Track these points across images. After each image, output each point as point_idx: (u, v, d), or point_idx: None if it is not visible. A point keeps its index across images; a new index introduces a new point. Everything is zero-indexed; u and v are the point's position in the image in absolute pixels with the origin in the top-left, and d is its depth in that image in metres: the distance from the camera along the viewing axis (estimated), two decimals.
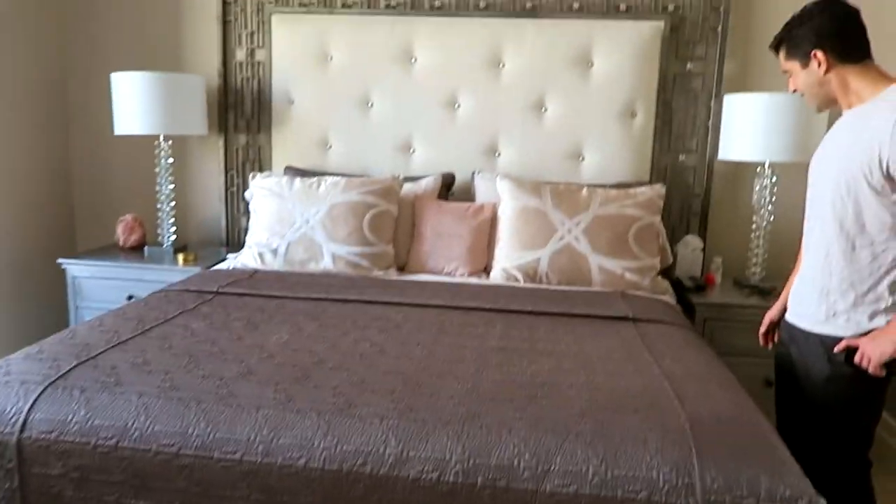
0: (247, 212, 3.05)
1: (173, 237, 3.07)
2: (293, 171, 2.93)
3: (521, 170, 2.90)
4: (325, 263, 2.57)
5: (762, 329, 2.03)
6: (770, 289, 2.68)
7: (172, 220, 3.07)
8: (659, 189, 2.67)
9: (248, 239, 2.72)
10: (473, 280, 2.56)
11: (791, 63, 1.74)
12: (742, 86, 2.85)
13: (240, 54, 3.09)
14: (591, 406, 1.45)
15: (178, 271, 2.75)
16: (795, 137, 2.55)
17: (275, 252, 2.60)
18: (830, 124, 1.81)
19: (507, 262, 2.55)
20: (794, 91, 1.78)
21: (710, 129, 2.90)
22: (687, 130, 2.96)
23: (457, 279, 2.56)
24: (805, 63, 1.70)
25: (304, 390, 1.47)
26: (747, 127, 2.63)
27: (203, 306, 2.09)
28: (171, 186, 3.05)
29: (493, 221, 2.67)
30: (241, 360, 1.64)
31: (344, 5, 3.00)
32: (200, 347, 1.72)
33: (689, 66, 2.91)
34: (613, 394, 1.53)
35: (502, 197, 2.66)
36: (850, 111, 1.69)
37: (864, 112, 1.62)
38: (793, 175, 2.63)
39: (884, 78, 1.64)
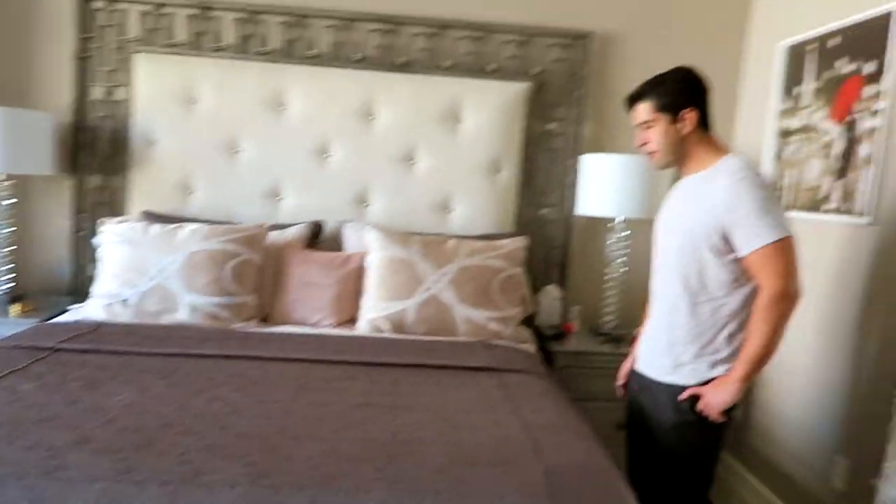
0: (95, 260, 2.84)
1: (11, 285, 2.79)
2: (150, 217, 2.77)
3: (390, 220, 2.92)
4: (181, 315, 2.43)
5: (620, 381, 2.13)
6: (622, 336, 2.84)
7: (11, 265, 2.79)
8: (522, 241, 2.77)
9: (95, 289, 2.53)
10: (340, 331, 2.51)
11: (658, 115, 1.80)
12: (598, 147, 3.06)
13: (97, 92, 2.92)
14: (451, 462, 1.45)
15: (10, 324, 2.50)
16: (644, 196, 2.76)
17: (124, 303, 2.43)
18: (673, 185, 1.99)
19: (374, 312, 2.54)
20: (644, 144, 1.85)
21: (569, 186, 3.08)
22: (548, 186, 3.12)
23: (322, 330, 2.51)
24: (674, 119, 1.79)
25: (146, 458, 1.37)
26: (602, 185, 2.81)
27: (36, 365, 1.90)
28: (11, 229, 2.79)
29: (360, 271, 2.65)
30: (75, 426, 1.50)
31: (213, 49, 2.93)
32: (28, 413, 1.55)
33: (550, 126, 3.08)
34: (473, 448, 1.54)
35: (371, 247, 2.66)
36: (692, 176, 1.84)
37: (706, 179, 1.78)
38: (642, 230, 2.82)
39: (721, 148, 1.83)
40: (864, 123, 2.21)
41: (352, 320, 2.62)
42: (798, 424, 2.49)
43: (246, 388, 1.83)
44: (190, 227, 2.57)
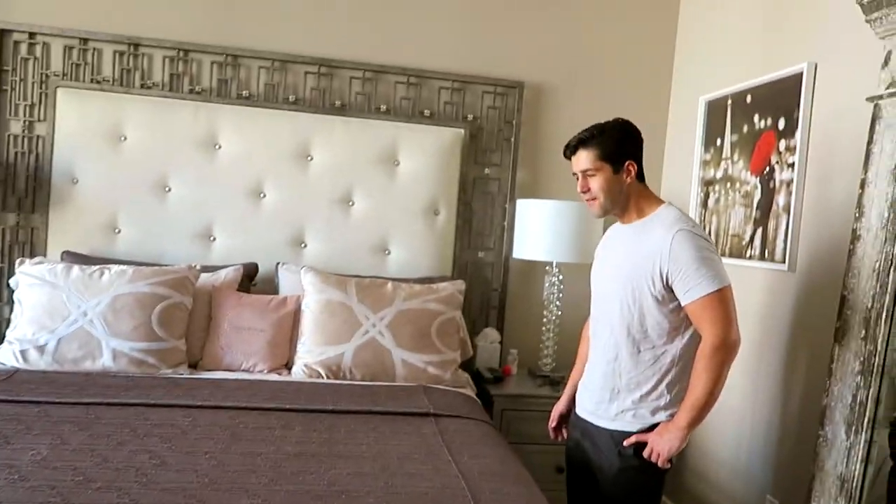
0: (10, 301, 2.67)
1: None
2: (72, 257, 2.64)
3: (327, 262, 2.88)
4: (104, 362, 2.31)
5: (552, 423, 2.14)
6: (559, 379, 2.87)
7: None
8: (459, 284, 2.78)
9: (9, 334, 2.37)
10: (274, 377, 2.44)
11: (601, 164, 1.81)
12: (532, 192, 3.13)
13: (15, 127, 2.79)
14: None
15: None
16: (578, 241, 2.82)
17: (42, 349, 2.28)
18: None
19: (309, 357, 2.48)
20: (587, 191, 1.85)
21: (506, 230, 3.13)
22: (485, 229, 3.16)
23: (255, 376, 2.43)
24: (618, 169, 1.82)
25: None
26: (537, 229, 2.87)
27: None
28: None
29: (296, 315, 2.59)
30: None
31: (143, 86, 2.86)
32: None
33: (486, 170, 3.14)
34: (411, 498, 1.51)
35: (307, 290, 2.61)
36: (629, 225, 1.89)
37: (644, 228, 1.84)
38: (577, 274, 2.89)
39: (656, 198, 1.90)
40: (780, 175, 2.35)
41: (286, 365, 2.54)
42: (731, 465, 2.56)
43: (173, 439, 1.74)
44: (115, 269, 2.46)
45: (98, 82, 2.83)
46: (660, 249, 1.74)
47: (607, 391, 1.88)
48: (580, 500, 2.01)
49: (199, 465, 1.58)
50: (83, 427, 1.77)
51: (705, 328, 1.72)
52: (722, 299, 1.70)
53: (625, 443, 1.82)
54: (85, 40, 2.82)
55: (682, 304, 1.75)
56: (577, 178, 1.88)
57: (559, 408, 2.13)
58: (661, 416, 1.81)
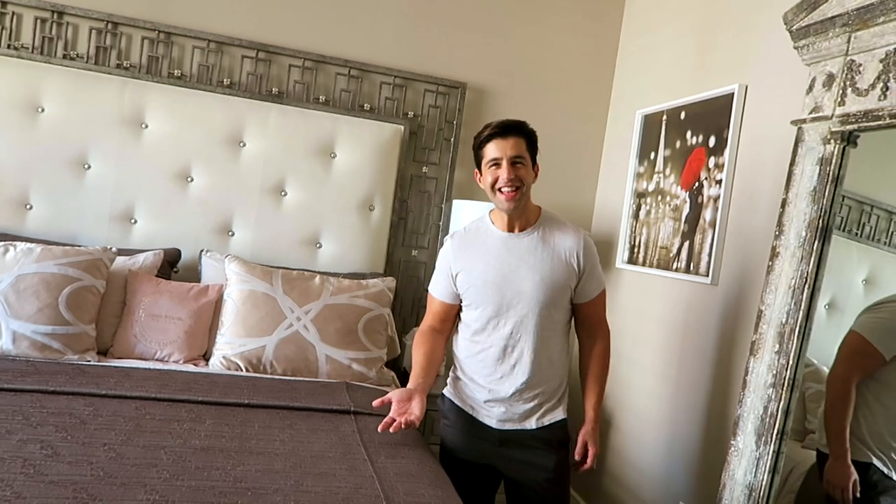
0: None
1: None
2: None
3: (255, 251, 2.79)
4: (3, 344, 2.15)
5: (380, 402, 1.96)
6: None
7: None
8: (390, 282, 2.74)
9: None
10: (190, 368, 2.33)
11: (528, 158, 1.84)
12: (469, 194, 3.12)
13: None
14: None
15: None
16: None
17: None
18: None
19: (228, 349, 2.38)
20: (512, 178, 1.78)
21: (441, 229, 3.10)
22: (420, 228, 3.12)
23: (170, 366, 2.32)
24: (533, 165, 1.89)
25: None
26: None
27: None
28: None
29: (217, 305, 2.49)
30: None
31: (66, 56, 2.70)
32: None
33: (424, 169, 3.11)
34: (320, 497, 1.46)
35: (230, 279, 2.51)
36: (528, 234, 1.90)
37: (547, 231, 1.91)
38: None
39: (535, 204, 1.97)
40: (708, 191, 2.41)
41: (204, 357, 2.44)
42: (648, 471, 2.60)
43: (70, 429, 1.63)
44: (21, 247, 2.31)
45: (16, 49, 2.66)
46: (577, 250, 1.88)
47: (528, 392, 1.90)
48: None
49: (95, 457, 1.48)
50: None
51: (604, 322, 2.01)
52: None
53: (577, 452, 1.92)
54: (4, 3, 2.64)
55: (584, 300, 1.94)
56: (496, 166, 1.80)
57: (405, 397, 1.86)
58: (563, 410, 1.97)
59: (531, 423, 1.92)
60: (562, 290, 1.88)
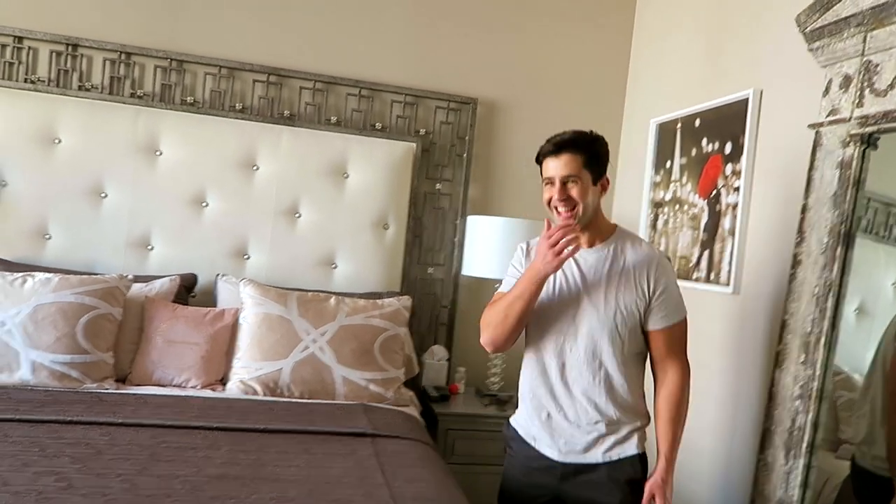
0: None
1: None
2: None
3: (270, 274, 2.79)
4: (23, 374, 2.17)
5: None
6: (507, 398, 2.82)
7: None
8: (406, 301, 2.72)
9: None
10: (207, 393, 2.33)
11: (585, 174, 1.69)
12: (483, 209, 3.10)
13: None
14: None
15: None
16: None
17: None
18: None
19: (245, 373, 2.38)
20: (565, 199, 1.68)
21: (456, 246, 3.08)
22: (436, 245, 3.11)
23: (188, 392, 2.31)
24: (596, 180, 1.72)
25: None
26: (487, 246, 2.83)
27: None
28: None
29: (233, 329, 2.49)
30: None
31: (81, 87, 2.75)
32: None
33: (438, 186, 3.10)
34: None
35: (245, 303, 2.51)
36: (598, 250, 1.76)
37: (619, 248, 1.76)
38: None
39: (608, 218, 1.84)
40: (726, 199, 2.36)
41: (221, 381, 2.44)
42: (675, 488, 2.52)
43: (85, 459, 1.63)
44: (39, 277, 2.33)
45: (32, 82, 2.70)
46: (648, 271, 1.72)
47: (599, 421, 1.74)
48: None
49: (109, 489, 1.47)
50: None
51: (681, 354, 1.78)
52: (686, 327, 1.78)
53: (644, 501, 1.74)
54: (20, 38, 2.69)
55: (657, 328, 1.73)
56: (550, 185, 1.71)
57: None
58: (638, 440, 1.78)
59: (596, 457, 1.73)
60: (629, 312, 1.71)
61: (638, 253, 1.74)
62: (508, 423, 1.90)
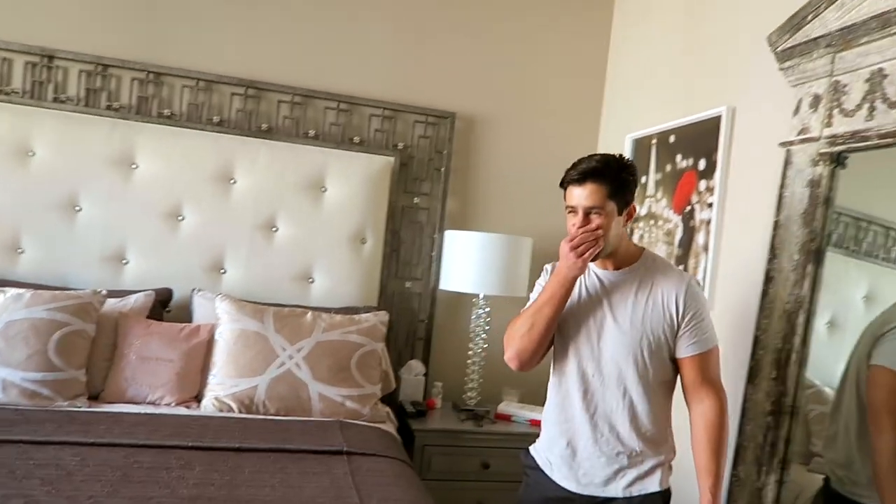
0: None
1: None
2: None
3: (247, 289, 2.77)
4: None
5: None
6: (484, 413, 2.82)
7: None
8: (383, 316, 2.71)
9: None
10: (181, 411, 2.30)
11: (610, 204, 1.61)
12: (462, 223, 3.11)
13: None
14: None
15: None
16: (506, 274, 2.80)
17: None
18: (534, 268, 1.97)
19: (220, 389, 2.35)
20: (595, 230, 1.61)
21: (434, 260, 3.08)
22: (413, 259, 3.11)
23: (162, 409, 2.29)
24: (622, 210, 1.64)
25: None
26: (464, 261, 2.84)
27: None
28: None
29: (209, 345, 2.46)
30: None
31: (56, 99, 2.72)
32: None
33: (416, 200, 3.10)
34: None
35: (221, 318, 2.49)
36: (624, 273, 1.70)
37: (648, 274, 1.69)
38: (504, 307, 2.85)
39: (634, 242, 1.79)
40: (700, 215, 2.39)
41: (196, 398, 2.41)
42: None
43: (55, 482, 1.60)
44: (11, 293, 2.29)
45: (6, 94, 2.67)
46: (676, 297, 1.64)
47: (622, 451, 1.67)
48: None
49: None
50: None
51: (717, 382, 1.67)
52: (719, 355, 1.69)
53: None
54: None
55: (691, 354, 1.65)
56: (573, 213, 1.64)
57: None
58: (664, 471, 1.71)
59: (616, 491, 1.66)
60: (655, 338, 1.64)
61: (667, 278, 1.67)
62: (527, 452, 1.84)
